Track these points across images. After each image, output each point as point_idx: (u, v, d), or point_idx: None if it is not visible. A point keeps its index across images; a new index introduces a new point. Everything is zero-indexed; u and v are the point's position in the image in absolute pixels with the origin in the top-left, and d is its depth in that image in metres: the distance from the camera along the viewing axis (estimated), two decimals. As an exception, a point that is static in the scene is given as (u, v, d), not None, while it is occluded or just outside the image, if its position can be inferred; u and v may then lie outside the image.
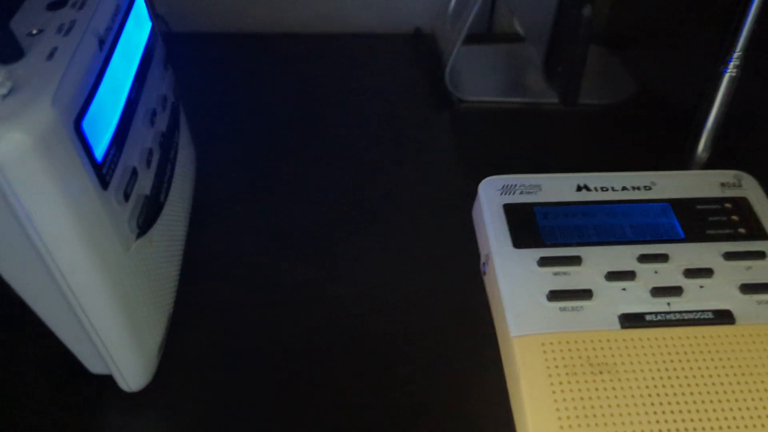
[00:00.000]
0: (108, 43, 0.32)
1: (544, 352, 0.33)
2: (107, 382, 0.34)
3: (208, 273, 0.42)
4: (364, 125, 0.56)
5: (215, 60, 0.65)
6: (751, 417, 0.31)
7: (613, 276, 0.36)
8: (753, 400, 0.31)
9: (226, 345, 0.38)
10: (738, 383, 0.32)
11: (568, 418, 0.31)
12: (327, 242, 0.45)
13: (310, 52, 0.67)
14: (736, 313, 0.34)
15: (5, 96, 0.26)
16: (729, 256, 0.37)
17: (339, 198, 0.48)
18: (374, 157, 0.53)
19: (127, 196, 0.31)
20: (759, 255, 0.36)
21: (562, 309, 0.35)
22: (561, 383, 0.32)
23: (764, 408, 0.31)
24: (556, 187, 0.40)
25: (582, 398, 0.31)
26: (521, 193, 0.40)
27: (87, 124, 0.28)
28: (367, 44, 0.68)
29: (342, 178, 0.50)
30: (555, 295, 0.35)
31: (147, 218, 0.33)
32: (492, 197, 0.40)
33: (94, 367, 0.34)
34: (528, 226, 0.38)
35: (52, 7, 0.32)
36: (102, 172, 0.29)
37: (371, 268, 0.43)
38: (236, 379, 0.36)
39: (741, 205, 0.39)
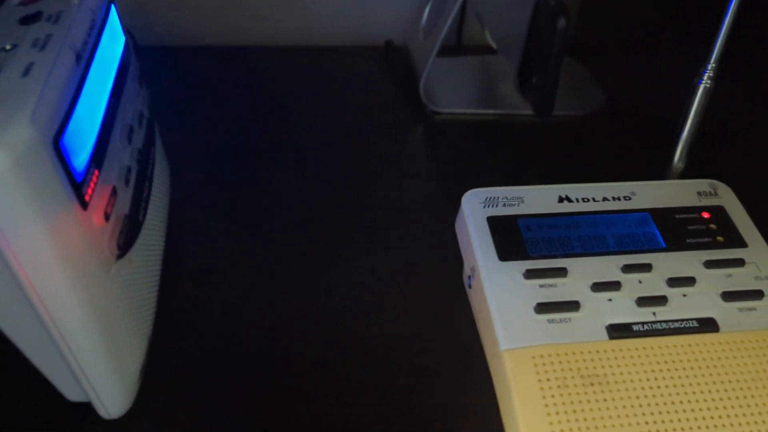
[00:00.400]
0: (85, 58, 0.31)
1: (535, 365, 0.33)
2: (85, 409, 0.33)
3: (186, 292, 0.41)
4: (339, 138, 0.56)
5: (186, 74, 0.64)
6: (740, 423, 0.31)
7: (598, 287, 0.36)
8: (740, 406, 0.32)
9: (209, 366, 0.37)
10: (725, 390, 0.32)
11: (562, 431, 0.31)
12: (306, 257, 0.44)
13: (282, 66, 0.66)
14: (719, 320, 0.35)
15: (-20, 114, 0.25)
16: (709, 264, 0.37)
17: (316, 213, 0.48)
18: (351, 170, 0.52)
19: (107, 216, 0.30)
20: (738, 263, 0.37)
21: (551, 321, 0.35)
22: (553, 396, 0.32)
23: (750, 414, 0.31)
24: (538, 199, 0.40)
25: (575, 410, 0.31)
26: (504, 205, 0.40)
27: (66, 142, 0.27)
28: (339, 57, 0.68)
29: (319, 192, 0.50)
30: (543, 308, 0.35)
31: (127, 238, 0.32)
32: (475, 210, 0.40)
33: (72, 394, 0.33)
34: (512, 238, 0.38)
35: (26, 21, 0.31)
36: (81, 191, 0.28)
37: (352, 282, 0.42)
38: (219, 401, 0.35)
39: (718, 214, 0.40)
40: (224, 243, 0.45)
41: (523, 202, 0.40)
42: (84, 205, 0.28)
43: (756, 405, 0.32)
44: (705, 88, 0.41)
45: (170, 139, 0.48)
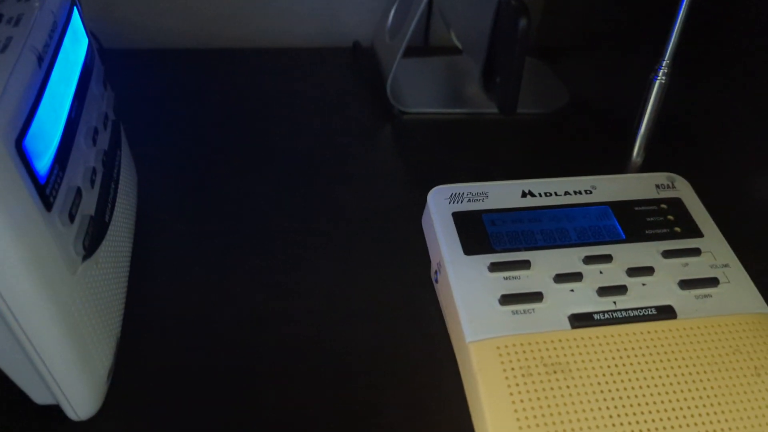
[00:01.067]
0: (47, 60, 0.31)
1: (500, 355, 0.34)
2: (54, 412, 0.33)
3: (154, 294, 0.41)
4: (307, 139, 0.56)
5: (152, 76, 0.64)
6: (696, 407, 0.32)
7: (561, 278, 0.37)
8: (697, 389, 0.33)
9: (177, 368, 0.37)
10: (683, 375, 0.33)
11: (527, 418, 0.31)
12: (274, 258, 0.44)
13: (250, 67, 0.66)
14: (677, 308, 0.36)
15: (-60, 116, 0.25)
16: (667, 254, 0.38)
17: (284, 213, 0.48)
18: (320, 170, 0.53)
19: (72, 217, 0.30)
20: (695, 252, 0.38)
21: (515, 312, 0.35)
22: (518, 384, 0.32)
23: (707, 397, 0.33)
24: (502, 194, 0.41)
25: (539, 398, 0.32)
26: (469, 201, 0.41)
27: (29, 143, 0.27)
28: (307, 58, 0.69)
29: (286, 192, 0.50)
30: (507, 299, 0.36)
31: (93, 239, 0.32)
32: (441, 206, 0.41)
33: (39, 397, 0.33)
34: (477, 233, 0.39)
35: (-15, 23, 0.31)
36: (45, 192, 0.28)
37: (322, 281, 0.43)
38: (189, 403, 0.35)
39: (675, 206, 0.41)
40: (192, 244, 0.45)
41: (487, 197, 0.41)
42: (48, 206, 0.28)
43: (712, 388, 0.33)
44: (660, 83, 0.42)
45: (138, 141, 0.48)
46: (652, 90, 0.42)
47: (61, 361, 0.31)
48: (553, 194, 0.42)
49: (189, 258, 0.44)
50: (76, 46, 0.36)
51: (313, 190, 0.50)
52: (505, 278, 0.37)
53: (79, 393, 0.32)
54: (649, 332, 0.35)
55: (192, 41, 0.71)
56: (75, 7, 0.37)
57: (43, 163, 0.28)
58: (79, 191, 0.31)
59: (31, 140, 0.27)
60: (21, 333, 0.29)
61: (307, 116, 0.59)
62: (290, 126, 0.58)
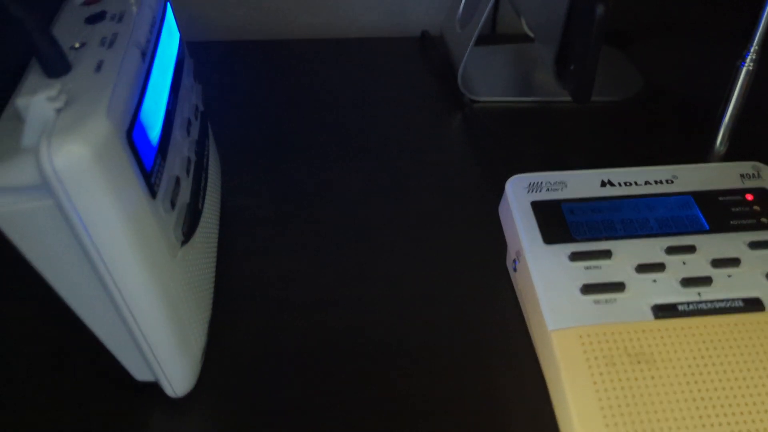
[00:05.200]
0: (149, 55, 0.32)
1: (582, 344, 0.34)
2: (152, 389, 0.35)
3: (240, 277, 0.43)
4: (379, 128, 0.57)
5: (227, 68, 0.65)
6: (786, 400, 0.32)
7: (643, 268, 0.36)
8: (786, 383, 0.32)
9: (264, 347, 0.38)
10: (771, 368, 0.33)
11: (611, 407, 0.32)
12: (354, 244, 0.45)
13: (320, 58, 0.67)
14: (764, 300, 0.35)
15: (60, 110, 0.26)
16: (754, 245, 0.37)
17: (359, 200, 0.49)
18: (392, 160, 0.53)
19: (173, 204, 0.32)
20: (783, 243, 0.37)
21: (596, 302, 0.35)
22: (601, 374, 0.33)
23: (797, 391, 0.32)
24: (581, 184, 0.41)
25: (623, 387, 0.32)
26: (548, 190, 0.41)
27: (137, 135, 0.29)
28: (375, 47, 0.69)
29: (362, 181, 0.51)
30: (588, 289, 0.36)
31: (190, 225, 0.34)
32: (519, 195, 0.41)
33: (140, 374, 0.35)
34: (556, 222, 0.39)
35: (91, 20, 0.33)
36: (151, 181, 0.30)
37: (397, 267, 0.44)
38: (276, 381, 0.37)
39: (761, 196, 0.40)
40: (272, 228, 0.46)
41: (566, 186, 0.41)
42: (153, 194, 0.30)
43: (802, 382, 0.32)
44: (747, 70, 0.41)
45: (217, 130, 0.50)
46: (739, 77, 0.41)
47: (163, 340, 0.32)
48: (633, 184, 0.41)
49: (269, 240, 0.45)
50: (170, 40, 0.38)
51: (386, 178, 0.51)
52: (586, 268, 0.37)
53: (177, 370, 0.34)
54: (735, 324, 0.34)
55: (259, 33, 0.73)
56: (167, 3, 0.39)
57: (149, 153, 0.30)
58: (177, 180, 0.33)
59: (139, 131, 0.29)
60: (128, 313, 0.31)
61: (378, 106, 0.60)
62: (361, 115, 0.59)
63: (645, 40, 0.67)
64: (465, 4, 0.64)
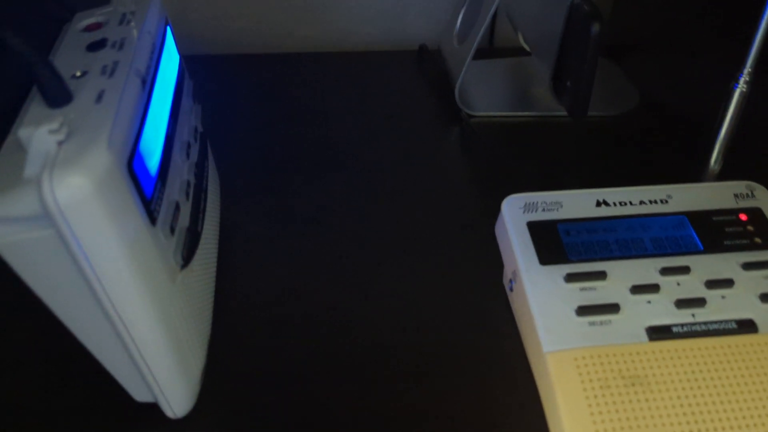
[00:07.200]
0: (149, 82, 0.33)
1: (578, 366, 0.34)
2: (152, 410, 0.35)
3: (240, 294, 0.43)
4: (375, 142, 0.57)
5: (222, 82, 0.66)
6: (779, 422, 0.32)
7: (637, 289, 0.37)
8: (779, 405, 0.33)
9: (263, 367, 0.39)
10: (764, 390, 0.33)
11: (605, 430, 0.32)
12: (350, 263, 0.46)
13: (316, 72, 0.68)
14: (758, 322, 0.36)
15: (62, 142, 0.27)
16: (748, 266, 0.38)
17: (354, 216, 0.49)
18: (388, 174, 0.54)
19: (172, 230, 0.32)
20: (776, 264, 0.38)
21: (591, 323, 0.36)
22: (596, 396, 0.33)
23: (790, 413, 0.32)
24: (576, 204, 0.42)
25: (617, 410, 0.32)
26: (543, 210, 0.41)
27: (137, 165, 0.29)
28: (373, 61, 0.70)
29: (356, 196, 0.51)
30: (583, 310, 0.36)
31: (189, 249, 0.34)
32: (515, 215, 0.41)
33: (140, 395, 0.35)
34: (552, 243, 0.40)
35: (92, 48, 0.33)
36: (151, 208, 0.30)
37: (393, 285, 0.44)
38: (276, 400, 0.37)
39: (756, 216, 0.41)
40: (272, 247, 0.47)
41: (561, 206, 0.42)
42: (153, 221, 0.30)
43: (795, 404, 0.33)
44: (741, 92, 0.41)
45: (213, 148, 0.50)
46: (732, 98, 0.42)
47: (162, 363, 0.33)
48: (628, 203, 0.42)
49: (268, 261, 0.46)
50: (170, 64, 0.38)
51: (383, 193, 0.52)
52: (582, 289, 0.37)
53: (176, 392, 0.34)
54: (729, 346, 0.35)
55: (256, 46, 0.73)
56: (167, 27, 0.39)
57: (149, 181, 0.30)
58: (177, 205, 0.33)
59: (139, 160, 0.29)
60: (128, 337, 0.31)
61: (374, 119, 0.60)
62: (357, 129, 0.59)
63: (641, 55, 0.68)
64: (463, 18, 0.65)
